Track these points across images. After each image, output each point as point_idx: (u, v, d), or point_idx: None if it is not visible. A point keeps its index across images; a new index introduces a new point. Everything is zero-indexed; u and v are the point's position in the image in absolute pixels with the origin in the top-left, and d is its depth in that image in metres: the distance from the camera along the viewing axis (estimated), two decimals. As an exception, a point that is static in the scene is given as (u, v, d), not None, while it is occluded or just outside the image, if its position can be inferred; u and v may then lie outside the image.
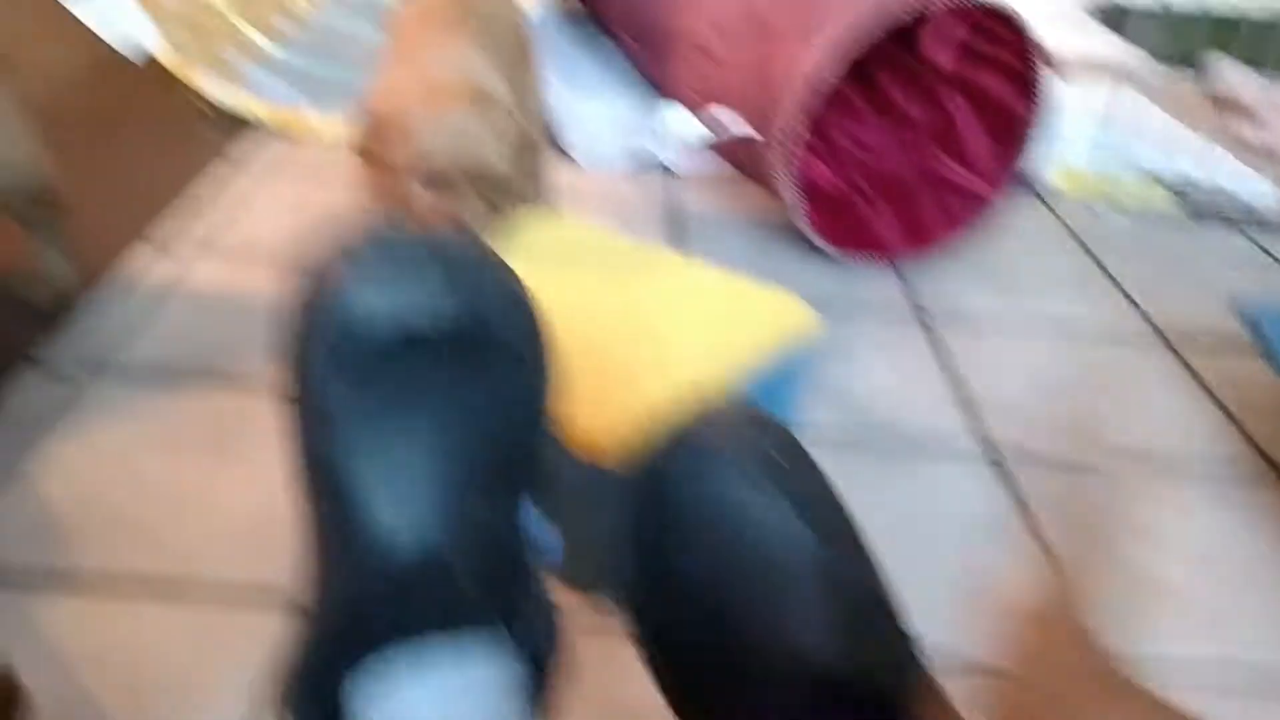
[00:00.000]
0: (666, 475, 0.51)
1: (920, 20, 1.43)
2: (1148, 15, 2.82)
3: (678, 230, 1.49)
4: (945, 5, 1.31)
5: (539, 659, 0.49)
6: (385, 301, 0.47)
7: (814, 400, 1.12)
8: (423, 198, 0.92)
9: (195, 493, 0.92)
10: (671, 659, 0.51)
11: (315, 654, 0.46)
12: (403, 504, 0.46)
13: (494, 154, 0.94)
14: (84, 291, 1.18)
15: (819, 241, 1.40)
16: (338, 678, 0.46)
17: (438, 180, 0.92)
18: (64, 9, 1.60)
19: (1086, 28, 2.88)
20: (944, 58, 1.46)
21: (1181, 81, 2.24)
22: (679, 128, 1.55)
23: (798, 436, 0.54)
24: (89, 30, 1.60)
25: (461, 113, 0.93)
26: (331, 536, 0.47)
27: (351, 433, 0.46)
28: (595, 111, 1.73)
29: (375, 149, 0.93)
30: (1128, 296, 1.44)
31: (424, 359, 0.47)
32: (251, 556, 0.86)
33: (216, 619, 0.80)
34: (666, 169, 1.65)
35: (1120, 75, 2.26)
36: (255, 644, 0.78)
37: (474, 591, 0.47)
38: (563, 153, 1.65)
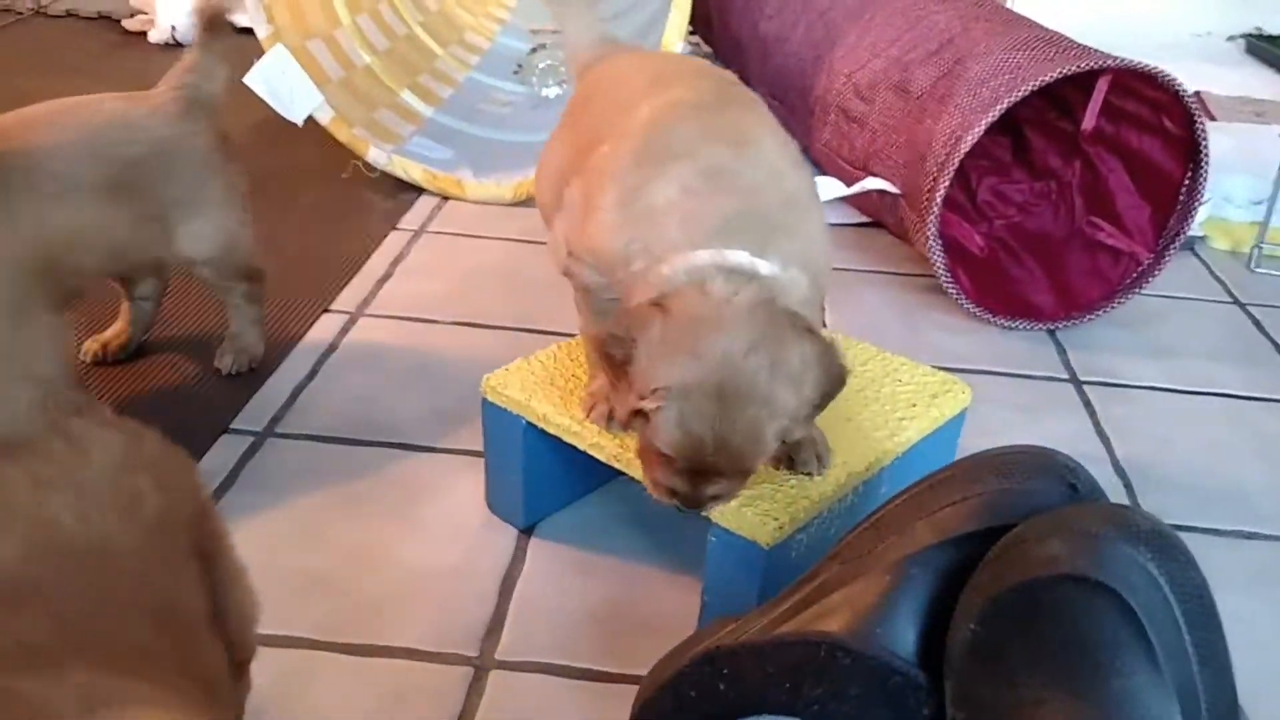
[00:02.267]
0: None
1: (1071, 81, 1.42)
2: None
3: (822, 290, 1.51)
4: (1093, 67, 1.31)
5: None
6: None
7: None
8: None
9: (374, 551, 0.98)
10: None
11: None
12: None
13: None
14: (270, 356, 1.26)
15: (968, 305, 1.40)
16: None
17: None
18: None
19: (1232, 59, 2.80)
20: (1093, 119, 1.45)
21: (1339, 120, 2.16)
22: (826, 190, 1.56)
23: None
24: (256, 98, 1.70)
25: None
26: None
27: None
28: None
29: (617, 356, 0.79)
30: (1289, 359, 1.40)
31: None
32: (429, 615, 0.91)
33: (395, 676, 0.85)
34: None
35: (1273, 114, 2.19)
36: (434, 701, 0.83)
37: None
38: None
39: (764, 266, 0.77)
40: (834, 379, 0.78)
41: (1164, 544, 0.59)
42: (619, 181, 0.83)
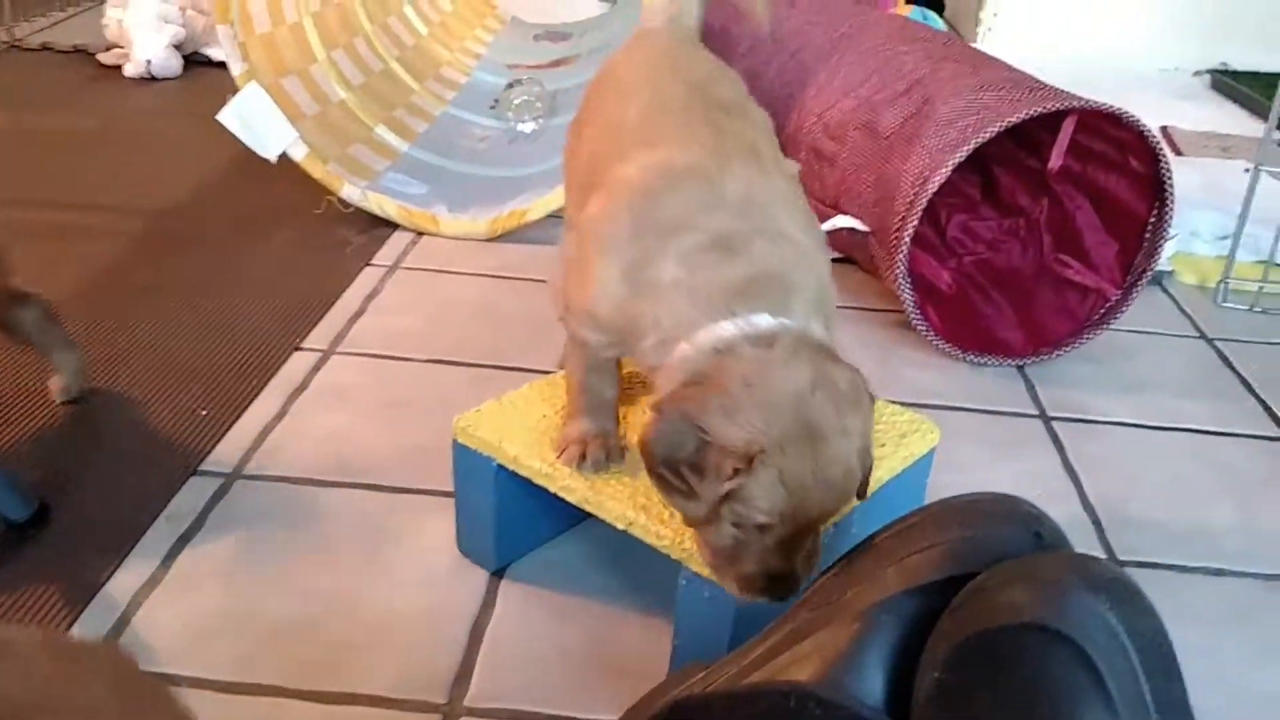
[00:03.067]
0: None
1: (1039, 121, 1.44)
2: (1258, 76, 2.77)
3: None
4: (1059, 108, 1.33)
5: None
6: None
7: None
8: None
9: (343, 596, 0.97)
10: None
11: None
12: None
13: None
14: (241, 395, 1.25)
15: (937, 341, 1.42)
16: None
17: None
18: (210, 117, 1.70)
19: (1199, 95, 2.84)
20: (1059, 158, 1.47)
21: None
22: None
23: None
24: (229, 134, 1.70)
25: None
26: None
27: None
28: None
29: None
30: (1254, 393, 1.42)
31: None
32: (398, 661, 0.90)
33: (373, 736, 0.85)
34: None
35: (1239, 149, 2.23)
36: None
37: None
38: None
39: (787, 324, 0.76)
40: (871, 400, 0.78)
41: (1124, 593, 0.60)
42: (618, 253, 0.81)
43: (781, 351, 0.74)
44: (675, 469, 0.75)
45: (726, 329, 0.76)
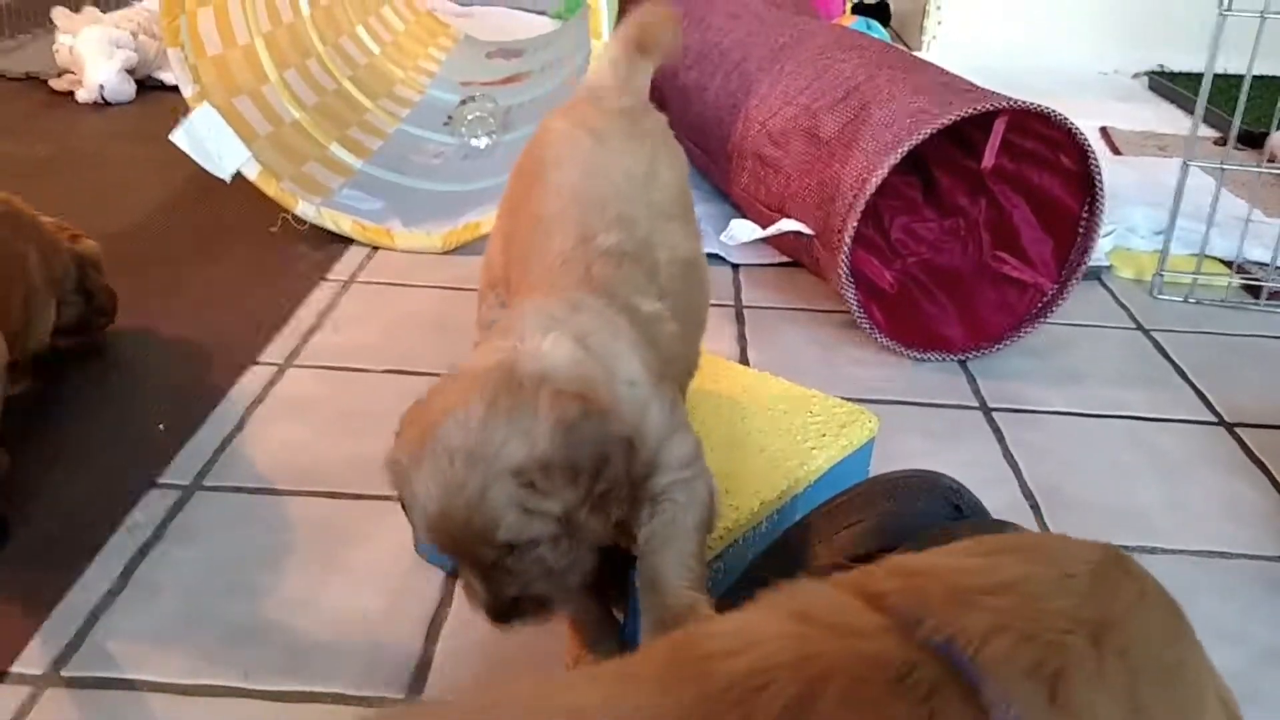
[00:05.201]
0: None
1: (973, 122, 1.49)
2: (1193, 77, 2.85)
3: (738, 323, 1.55)
4: (989, 108, 1.37)
5: None
6: None
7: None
8: None
9: (302, 598, 1.00)
10: None
11: None
12: None
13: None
14: (198, 408, 1.27)
15: (881, 339, 1.46)
16: None
17: None
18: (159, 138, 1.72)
19: (1137, 96, 2.92)
20: (992, 156, 1.52)
21: (1240, 152, 2.26)
22: (743, 233, 1.61)
23: None
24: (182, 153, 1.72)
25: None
26: None
27: None
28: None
29: None
30: (1188, 380, 1.47)
31: None
32: (357, 660, 0.92)
33: (331, 731, 0.87)
34: (725, 259, 1.72)
35: (1175, 148, 2.29)
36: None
37: None
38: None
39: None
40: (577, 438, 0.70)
41: None
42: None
43: (466, 378, 0.72)
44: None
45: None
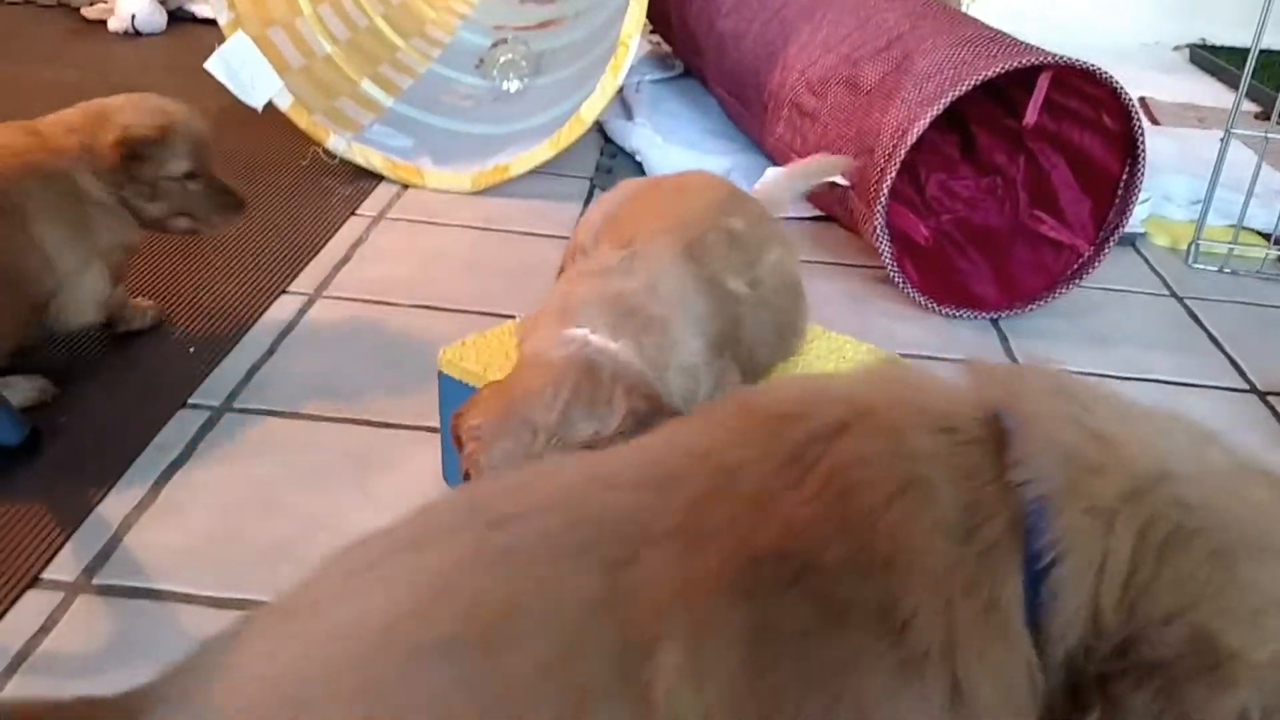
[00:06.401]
0: None
1: (1016, 80, 1.47)
2: (1235, 52, 2.81)
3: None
4: (1034, 63, 1.35)
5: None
6: None
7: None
8: None
9: (331, 520, 1.00)
10: None
11: None
12: None
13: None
14: (228, 334, 1.27)
15: (913, 294, 1.45)
16: None
17: None
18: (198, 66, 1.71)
19: (1177, 68, 2.88)
20: (1035, 113, 1.50)
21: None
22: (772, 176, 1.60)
23: None
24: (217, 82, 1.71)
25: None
26: None
27: None
28: (695, 165, 1.79)
29: None
30: (1221, 348, 1.46)
31: None
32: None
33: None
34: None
35: (1214, 120, 2.26)
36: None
37: None
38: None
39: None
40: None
41: None
42: None
43: (545, 367, 0.83)
44: None
45: None
